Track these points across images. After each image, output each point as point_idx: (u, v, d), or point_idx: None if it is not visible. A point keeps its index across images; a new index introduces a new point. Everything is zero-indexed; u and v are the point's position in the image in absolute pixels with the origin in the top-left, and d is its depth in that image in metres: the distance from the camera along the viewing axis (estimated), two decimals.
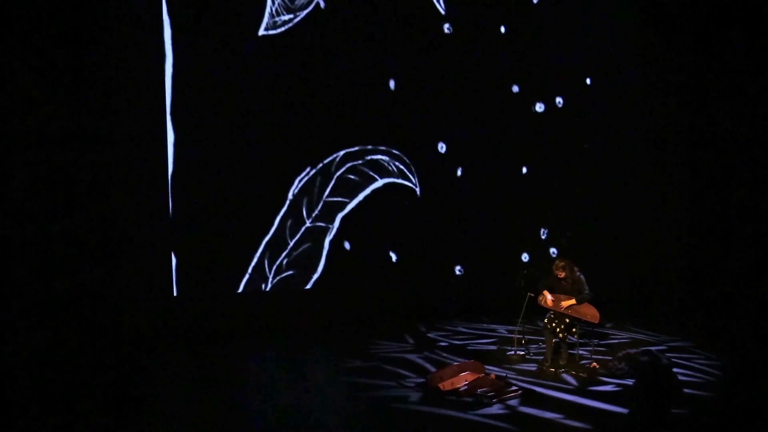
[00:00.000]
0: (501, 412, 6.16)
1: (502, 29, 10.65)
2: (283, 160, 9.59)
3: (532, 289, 7.89)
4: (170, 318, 8.97)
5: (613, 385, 6.95)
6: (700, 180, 10.91)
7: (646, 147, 11.38)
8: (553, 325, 7.60)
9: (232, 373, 7.80)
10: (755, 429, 5.95)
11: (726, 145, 10.55)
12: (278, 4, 9.33)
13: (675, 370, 6.76)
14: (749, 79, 10.16)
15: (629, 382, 6.85)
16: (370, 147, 10.08)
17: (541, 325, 7.89)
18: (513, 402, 6.37)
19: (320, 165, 9.82)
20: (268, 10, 9.39)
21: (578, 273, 7.70)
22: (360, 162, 10.05)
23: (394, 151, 10.21)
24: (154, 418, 6.17)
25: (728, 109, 10.53)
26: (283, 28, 9.50)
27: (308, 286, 9.82)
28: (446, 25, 10.29)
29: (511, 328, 8.79)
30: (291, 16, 9.46)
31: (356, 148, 10.01)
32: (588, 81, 11.20)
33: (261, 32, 9.40)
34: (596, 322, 7.61)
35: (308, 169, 9.76)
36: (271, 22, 9.33)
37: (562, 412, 6.15)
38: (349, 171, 10.00)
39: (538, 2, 10.83)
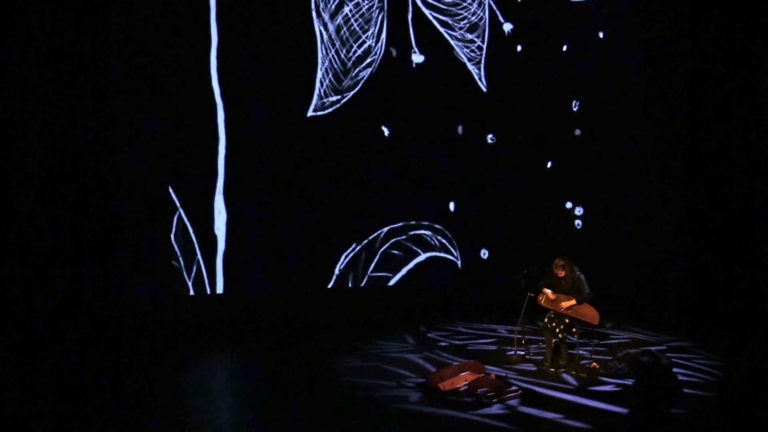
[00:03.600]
0: (501, 412, 6.16)
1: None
2: (330, 237, 9.85)
3: (532, 289, 7.89)
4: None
5: (613, 385, 6.95)
6: (700, 180, 10.92)
7: (647, 147, 11.39)
8: (553, 325, 7.59)
9: (232, 376, 7.83)
10: (755, 429, 5.95)
11: (727, 145, 10.56)
12: (326, 85, 9.61)
13: (675, 370, 6.76)
14: (749, 79, 10.17)
15: (629, 382, 6.85)
16: (413, 222, 10.29)
17: (541, 325, 7.88)
18: (513, 402, 6.37)
19: (365, 241, 10.04)
20: (316, 92, 9.65)
21: (578, 273, 7.70)
22: (403, 237, 10.26)
23: (437, 226, 10.45)
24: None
25: (728, 110, 10.54)
26: (330, 109, 9.75)
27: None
28: (490, 136, 10.66)
29: (511, 328, 8.79)
30: (338, 97, 9.75)
31: (400, 224, 10.25)
32: (575, 104, 11.36)
33: (310, 113, 9.65)
34: (596, 323, 7.61)
35: (354, 245, 9.98)
36: (319, 103, 9.63)
37: (562, 412, 6.14)
38: (392, 246, 10.24)
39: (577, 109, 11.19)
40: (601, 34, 11.36)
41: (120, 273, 8.73)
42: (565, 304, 7.54)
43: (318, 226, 9.74)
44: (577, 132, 11.34)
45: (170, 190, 9.00)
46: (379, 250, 10.19)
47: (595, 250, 11.04)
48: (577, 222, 11.28)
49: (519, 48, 10.92)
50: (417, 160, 10.32)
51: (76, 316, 8.33)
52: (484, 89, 10.69)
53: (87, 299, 8.42)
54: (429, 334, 9.17)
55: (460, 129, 10.62)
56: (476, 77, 10.63)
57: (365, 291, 10.16)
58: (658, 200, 11.28)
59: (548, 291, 7.60)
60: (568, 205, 11.25)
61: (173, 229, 9.01)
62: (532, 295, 7.85)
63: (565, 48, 11.15)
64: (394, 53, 9.97)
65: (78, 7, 8.30)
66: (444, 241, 10.58)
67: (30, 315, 8.07)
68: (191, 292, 9.25)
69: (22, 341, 7.88)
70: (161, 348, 8.42)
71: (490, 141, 10.68)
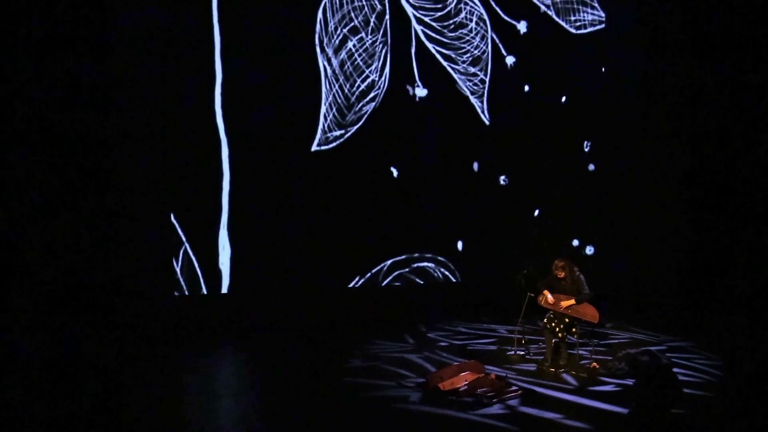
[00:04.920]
0: (501, 412, 6.16)
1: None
2: (333, 270, 9.88)
3: (532, 289, 7.89)
4: None
5: (613, 385, 6.95)
6: (700, 180, 10.94)
7: (647, 148, 11.41)
8: (553, 325, 7.60)
9: (230, 376, 7.83)
10: (755, 429, 5.95)
11: (726, 145, 10.59)
12: (330, 120, 9.65)
13: (675, 370, 6.76)
14: (748, 80, 10.21)
15: (629, 382, 6.85)
16: (416, 255, 10.31)
17: (541, 325, 7.89)
18: (513, 402, 6.37)
19: (368, 274, 10.12)
20: (320, 126, 9.68)
21: (578, 273, 7.70)
22: (407, 270, 10.32)
23: (440, 258, 10.50)
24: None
25: (728, 109, 10.57)
26: (334, 144, 9.80)
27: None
28: (502, 177, 10.85)
29: (511, 328, 8.79)
30: (342, 131, 9.80)
31: (404, 257, 10.27)
32: (564, 98, 11.38)
33: (314, 148, 9.68)
34: (596, 322, 7.61)
35: (357, 279, 10.06)
36: (323, 137, 9.64)
37: (562, 412, 6.14)
38: (396, 279, 10.33)
39: None
40: (603, 69, 11.44)
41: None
42: (565, 303, 7.55)
43: (322, 260, 9.76)
44: (591, 167, 11.39)
45: (176, 225, 8.98)
46: (382, 282, 10.28)
47: (595, 251, 11.07)
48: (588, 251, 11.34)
49: (526, 88, 11.04)
50: (420, 192, 10.37)
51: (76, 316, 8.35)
52: (487, 122, 10.73)
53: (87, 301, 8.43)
54: (429, 334, 9.17)
55: (476, 166, 10.73)
56: (479, 110, 10.68)
57: (365, 291, 10.16)
58: (658, 201, 11.29)
59: (548, 295, 7.60)
60: (575, 242, 11.25)
61: (179, 263, 9.01)
62: (532, 295, 7.85)
63: (564, 99, 11.30)
64: (411, 91, 10.04)
65: (83, 42, 8.30)
66: (447, 273, 10.63)
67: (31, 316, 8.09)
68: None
69: (22, 343, 7.91)
70: (162, 349, 8.42)
71: (502, 183, 10.79)
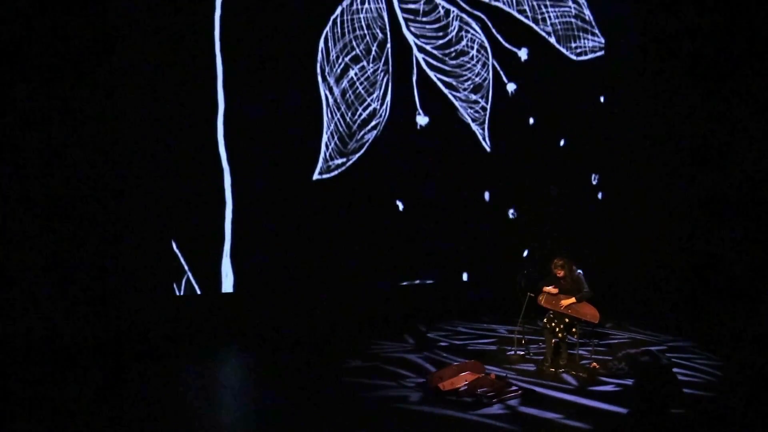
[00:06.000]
0: (501, 412, 6.16)
1: None
2: (336, 298, 9.81)
3: (532, 289, 7.90)
4: None
5: (613, 385, 6.95)
6: (701, 179, 10.94)
7: (647, 146, 11.41)
8: (553, 325, 7.60)
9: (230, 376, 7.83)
10: (755, 429, 5.96)
11: (727, 145, 10.60)
12: (332, 149, 9.65)
13: (675, 370, 6.77)
14: (751, 103, 10.25)
15: (629, 382, 6.85)
16: (417, 282, 10.47)
17: (541, 325, 7.89)
18: (513, 402, 6.37)
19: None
20: (322, 155, 9.68)
21: (577, 272, 7.71)
22: None
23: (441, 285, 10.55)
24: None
25: (729, 109, 10.57)
26: (335, 172, 9.79)
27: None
28: (511, 211, 10.87)
29: (511, 328, 8.80)
30: (344, 159, 9.79)
31: (405, 284, 10.36)
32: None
33: (315, 176, 9.67)
34: (596, 321, 7.61)
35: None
36: (325, 166, 9.64)
37: (562, 412, 6.15)
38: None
39: None
40: (602, 98, 11.45)
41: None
42: (565, 302, 7.55)
43: (324, 288, 9.75)
44: (600, 195, 11.39)
45: (178, 253, 8.96)
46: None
47: (594, 250, 11.06)
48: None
49: (531, 120, 11.04)
50: (422, 220, 10.34)
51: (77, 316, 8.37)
52: (488, 149, 10.75)
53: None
54: (429, 334, 9.17)
55: (487, 195, 10.74)
56: (480, 137, 10.69)
57: (365, 291, 10.16)
58: (658, 199, 11.29)
59: (549, 288, 7.61)
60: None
61: (181, 291, 8.99)
62: (532, 295, 7.86)
63: (562, 141, 11.26)
64: (420, 122, 10.06)
65: (86, 70, 8.36)
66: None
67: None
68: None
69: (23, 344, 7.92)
70: (164, 350, 8.42)
71: (511, 216, 10.78)
